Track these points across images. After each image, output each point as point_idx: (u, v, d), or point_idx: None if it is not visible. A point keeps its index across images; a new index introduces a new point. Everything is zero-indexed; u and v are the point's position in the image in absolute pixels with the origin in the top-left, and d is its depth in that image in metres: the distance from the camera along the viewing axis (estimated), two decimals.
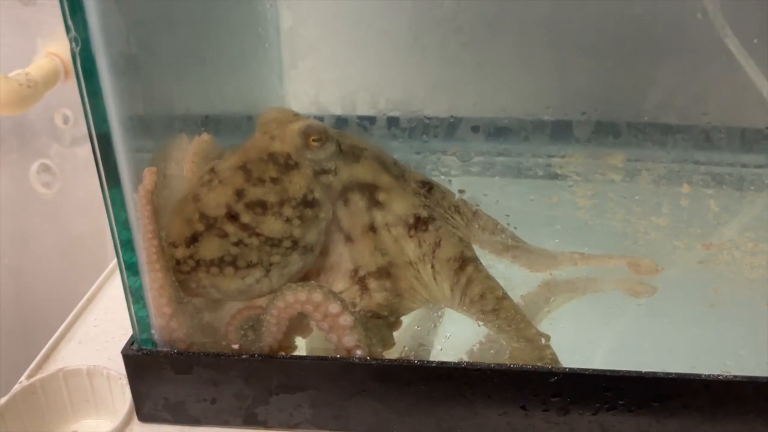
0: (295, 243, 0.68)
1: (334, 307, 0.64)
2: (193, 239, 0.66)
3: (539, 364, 0.68)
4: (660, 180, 1.00)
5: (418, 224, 0.72)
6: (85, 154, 1.30)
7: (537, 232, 0.86)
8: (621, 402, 0.67)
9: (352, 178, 0.72)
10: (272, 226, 0.67)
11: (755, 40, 0.85)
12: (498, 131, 0.89)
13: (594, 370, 0.66)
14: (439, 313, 0.77)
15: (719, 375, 0.65)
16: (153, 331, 0.69)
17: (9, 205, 1.31)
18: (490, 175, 0.97)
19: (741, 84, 0.94)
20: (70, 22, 0.55)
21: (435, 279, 0.72)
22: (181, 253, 0.66)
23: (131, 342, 0.71)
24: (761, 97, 0.95)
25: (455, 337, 0.76)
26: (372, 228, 0.72)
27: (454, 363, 0.67)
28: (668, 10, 0.91)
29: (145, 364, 0.70)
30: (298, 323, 0.68)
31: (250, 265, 0.66)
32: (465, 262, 0.72)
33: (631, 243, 0.92)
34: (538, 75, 0.94)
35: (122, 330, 0.86)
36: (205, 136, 0.75)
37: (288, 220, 0.67)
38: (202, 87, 0.78)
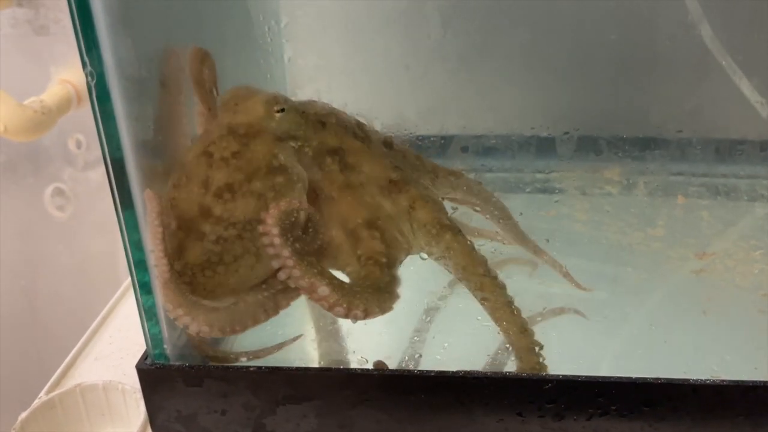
0: None
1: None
2: (181, 249, 0.64)
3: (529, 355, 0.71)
4: (655, 192, 1.02)
5: (391, 186, 0.72)
6: (97, 177, 1.33)
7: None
8: (613, 407, 0.69)
9: (322, 144, 0.72)
10: (245, 207, 0.64)
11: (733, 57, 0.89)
12: (486, 150, 0.93)
13: (586, 376, 0.69)
14: (436, 324, 0.80)
15: (707, 380, 0.67)
16: (165, 346, 0.72)
17: (24, 229, 1.34)
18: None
19: (734, 96, 0.97)
20: (86, 58, 0.59)
21: (414, 234, 0.72)
22: (177, 266, 0.64)
23: (145, 357, 0.73)
24: (752, 108, 0.98)
25: (452, 347, 0.78)
26: (349, 185, 0.71)
27: (452, 372, 0.69)
28: (644, 34, 0.96)
29: (158, 377, 0.72)
30: None
31: (237, 258, 0.64)
32: (442, 228, 0.72)
33: (627, 254, 0.94)
34: (523, 96, 0.99)
35: (136, 346, 0.88)
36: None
37: (260, 196, 0.65)
38: None
